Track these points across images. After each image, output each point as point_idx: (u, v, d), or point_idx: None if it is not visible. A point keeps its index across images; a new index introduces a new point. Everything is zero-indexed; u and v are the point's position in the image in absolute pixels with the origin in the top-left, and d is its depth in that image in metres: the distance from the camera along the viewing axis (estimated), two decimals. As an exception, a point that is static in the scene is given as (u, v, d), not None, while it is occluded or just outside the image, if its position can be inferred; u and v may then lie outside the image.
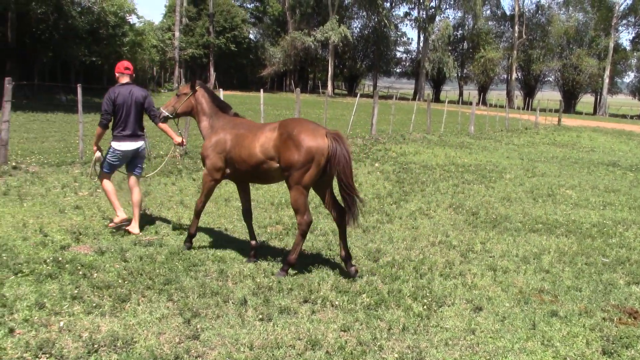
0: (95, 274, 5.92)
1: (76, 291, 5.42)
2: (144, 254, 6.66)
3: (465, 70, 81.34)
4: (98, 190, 9.78)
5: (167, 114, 7.22)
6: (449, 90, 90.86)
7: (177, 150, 14.35)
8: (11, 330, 4.58)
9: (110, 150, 7.67)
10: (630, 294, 6.43)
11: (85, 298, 5.30)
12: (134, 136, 7.66)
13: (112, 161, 7.70)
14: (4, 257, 6.20)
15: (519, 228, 9.19)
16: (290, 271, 6.39)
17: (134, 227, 7.62)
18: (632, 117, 66.53)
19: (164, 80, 57.31)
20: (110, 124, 7.65)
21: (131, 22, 43.23)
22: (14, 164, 11.44)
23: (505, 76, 78.65)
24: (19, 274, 5.79)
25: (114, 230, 7.59)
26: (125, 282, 5.73)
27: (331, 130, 6.26)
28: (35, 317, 4.84)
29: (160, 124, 7.58)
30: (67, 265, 6.07)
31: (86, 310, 5.05)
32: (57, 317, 4.89)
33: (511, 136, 28.13)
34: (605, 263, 7.52)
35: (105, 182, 7.78)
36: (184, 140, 7.83)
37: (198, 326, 4.85)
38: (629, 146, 29.10)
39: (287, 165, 6.06)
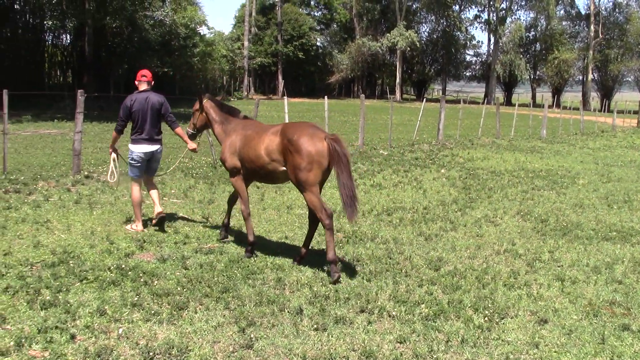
0: (156, 282, 6.02)
1: (136, 298, 5.52)
2: (205, 261, 6.74)
3: (538, 72, 79.13)
4: (164, 198, 10.03)
5: (192, 132, 8.06)
6: (522, 93, 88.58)
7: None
8: (72, 337, 4.70)
9: (129, 153, 8.14)
10: None
11: (144, 305, 5.39)
12: (150, 140, 8.12)
13: (134, 164, 8.14)
14: (71, 264, 6.40)
15: (591, 236, 8.79)
16: (349, 280, 6.32)
17: (158, 207, 8.07)
18: None
19: (233, 88, 58.40)
20: (130, 129, 8.19)
21: (201, 33, 44.38)
22: (86, 173, 11.86)
23: (581, 77, 75.95)
24: (84, 281, 5.96)
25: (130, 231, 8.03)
26: (184, 290, 5.80)
27: (329, 133, 6.55)
28: (96, 324, 4.96)
29: (176, 129, 8.39)
30: (129, 273, 6.20)
31: (145, 318, 5.13)
32: (116, 324, 4.99)
33: (586, 139, 27.10)
34: (685, 274, 7.08)
35: (135, 189, 8.19)
36: (196, 148, 8.29)
37: (252, 335, 4.84)
38: None
39: (292, 169, 6.44)
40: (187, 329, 4.95)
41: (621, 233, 9.04)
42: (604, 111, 55.67)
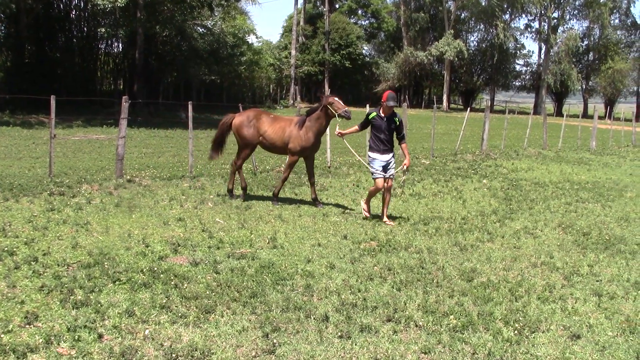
0: (186, 285, 6.08)
1: (165, 300, 5.59)
2: (236, 266, 6.79)
3: (590, 83, 77.33)
4: (202, 204, 10.19)
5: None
6: (573, 104, 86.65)
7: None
8: (100, 336, 4.79)
9: None
10: None
11: (172, 308, 5.45)
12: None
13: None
14: (106, 266, 6.53)
15: (634, 251, 8.50)
16: (378, 289, 6.27)
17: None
18: None
19: (280, 97, 58.90)
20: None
21: (249, 42, 44.91)
22: (128, 177, 12.12)
23: (636, 88, 73.86)
24: (117, 282, 6.06)
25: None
26: (213, 294, 5.84)
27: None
28: (124, 325, 5.04)
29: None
30: (161, 275, 6.29)
31: (172, 320, 5.19)
32: (143, 325, 5.06)
33: (637, 152, 26.30)
34: None
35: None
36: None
37: (275, 341, 4.84)
38: None
39: None
40: (211, 332, 4.99)
41: (667, 248, 8.72)
42: (660, 123, 53.93)
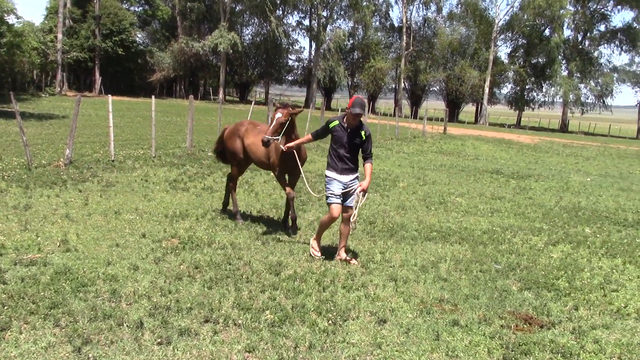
0: (-30, 300, 5.34)
1: (-53, 320, 4.85)
2: (26, 274, 6.12)
3: (355, 79, 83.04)
4: (-28, 204, 9.03)
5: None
6: (339, 98, 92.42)
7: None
8: None
9: None
10: (523, 299, 6.63)
11: (-43, 328, 4.75)
12: None
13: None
14: None
15: (415, 236, 9.33)
16: (189, 289, 6.09)
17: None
18: (509, 126, 70.54)
19: (45, 84, 54.25)
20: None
21: (9, 23, 40.58)
22: None
23: (394, 86, 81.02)
24: None
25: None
26: (5, 308, 5.20)
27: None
28: None
29: None
30: None
31: (-41, 342, 4.52)
32: None
33: (401, 144, 28.90)
34: (498, 269, 7.75)
35: None
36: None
37: (90, 354, 4.46)
38: (509, 154, 30.75)
39: None
40: (11, 352, 4.43)
41: (441, 233, 9.71)
42: (414, 118, 59.95)
